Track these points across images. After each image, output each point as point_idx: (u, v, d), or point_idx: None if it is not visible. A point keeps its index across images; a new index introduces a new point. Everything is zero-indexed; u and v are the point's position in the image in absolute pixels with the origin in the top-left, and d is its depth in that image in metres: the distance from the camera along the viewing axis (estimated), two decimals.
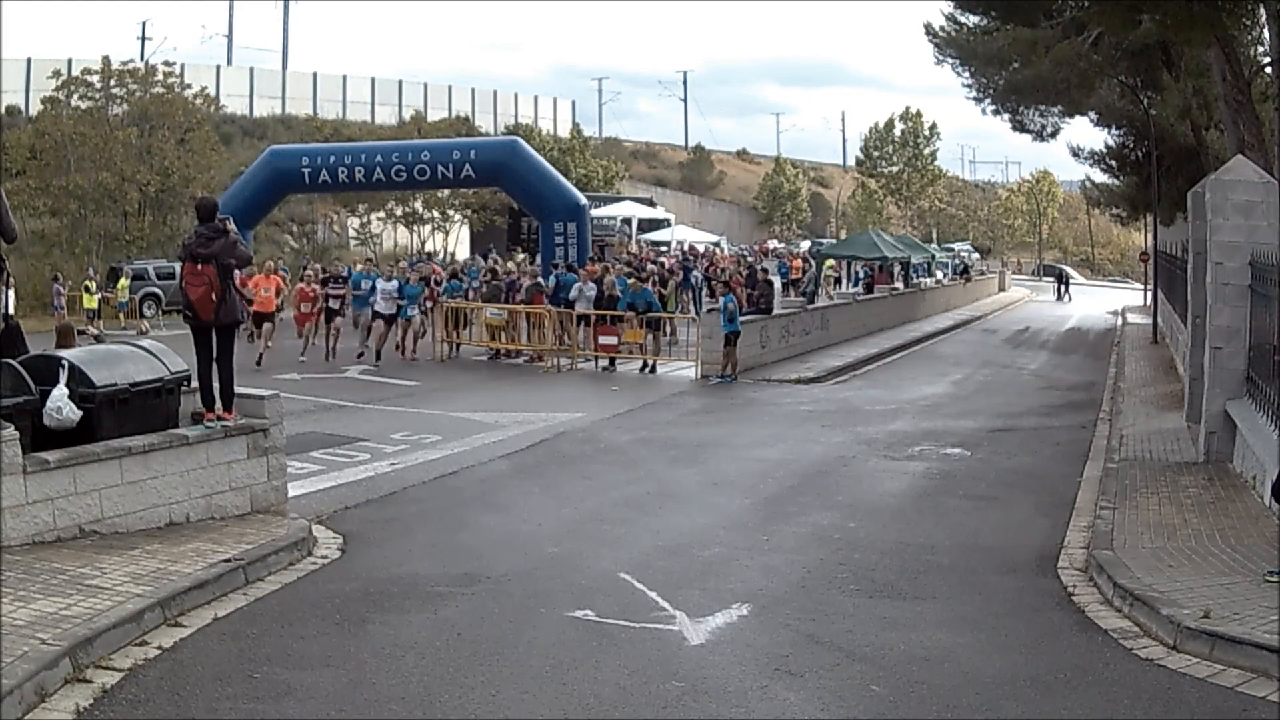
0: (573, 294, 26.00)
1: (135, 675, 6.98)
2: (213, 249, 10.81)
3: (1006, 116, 35.12)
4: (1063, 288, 60.11)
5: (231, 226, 11.21)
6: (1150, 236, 37.67)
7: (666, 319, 27.02)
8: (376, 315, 25.35)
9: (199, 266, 10.83)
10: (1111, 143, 39.15)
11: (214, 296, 10.79)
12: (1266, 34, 25.40)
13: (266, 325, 24.51)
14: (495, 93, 78.31)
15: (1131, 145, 37.79)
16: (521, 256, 44.92)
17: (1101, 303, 52.53)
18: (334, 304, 26.24)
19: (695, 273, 36.31)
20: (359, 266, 29.99)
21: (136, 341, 12.43)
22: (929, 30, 32.44)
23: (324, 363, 24.77)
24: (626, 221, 57.72)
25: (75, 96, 44.08)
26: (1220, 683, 6.96)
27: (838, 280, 46.74)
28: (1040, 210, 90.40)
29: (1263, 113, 24.15)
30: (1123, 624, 8.13)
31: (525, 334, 26.86)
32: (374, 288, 25.66)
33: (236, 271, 11.86)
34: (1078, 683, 7.10)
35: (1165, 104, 32.38)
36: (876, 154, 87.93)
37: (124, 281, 35.89)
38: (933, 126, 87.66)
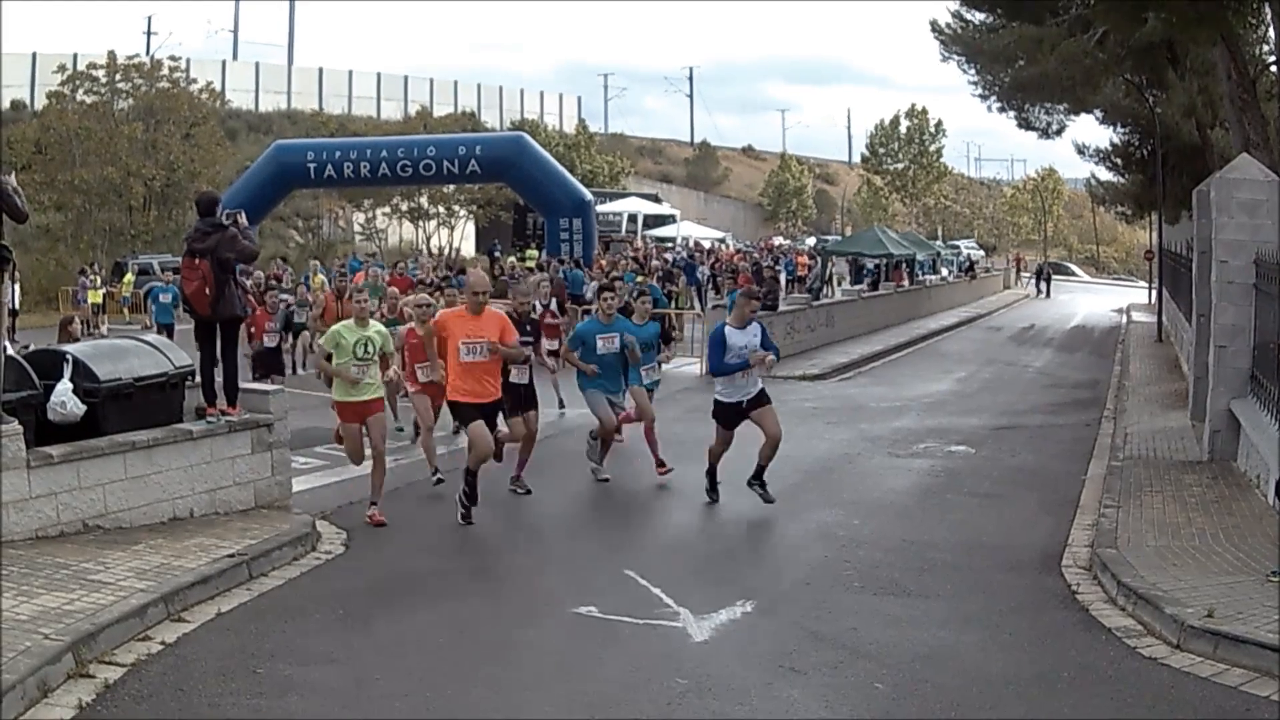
0: (587, 293, 25.92)
1: (138, 670, 6.98)
2: (208, 243, 10.78)
3: (1012, 114, 35.04)
4: (1043, 284, 59.09)
5: (243, 220, 11.23)
6: (1155, 235, 37.61)
7: (673, 315, 26.97)
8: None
9: (195, 261, 10.82)
10: (1117, 140, 39.08)
11: (208, 290, 10.76)
12: (1272, 33, 25.37)
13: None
14: (501, 88, 78.40)
15: (1137, 143, 37.70)
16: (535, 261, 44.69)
17: (1105, 301, 52.39)
18: (519, 377, 12.38)
19: (702, 269, 36.29)
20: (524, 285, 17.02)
21: (141, 336, 12.43)
22: (935, 27, 32.37)
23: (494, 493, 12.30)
24: (633, 218, 57.68)
25: (80, 91, 44.19)
26: (1224, 682, 6.94)
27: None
28: (1045, 208, 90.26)
29: (1268, 111, 24.09)
30: (1126, 623, 8.12)
31: None
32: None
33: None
34: (1082, 681, 7.09)
35: (1170, 102, 32.31)
36: (882, 151, 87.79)
37: (129, 276, 35.90)
38: (938, 123, 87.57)
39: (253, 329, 17.52)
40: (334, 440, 12.64)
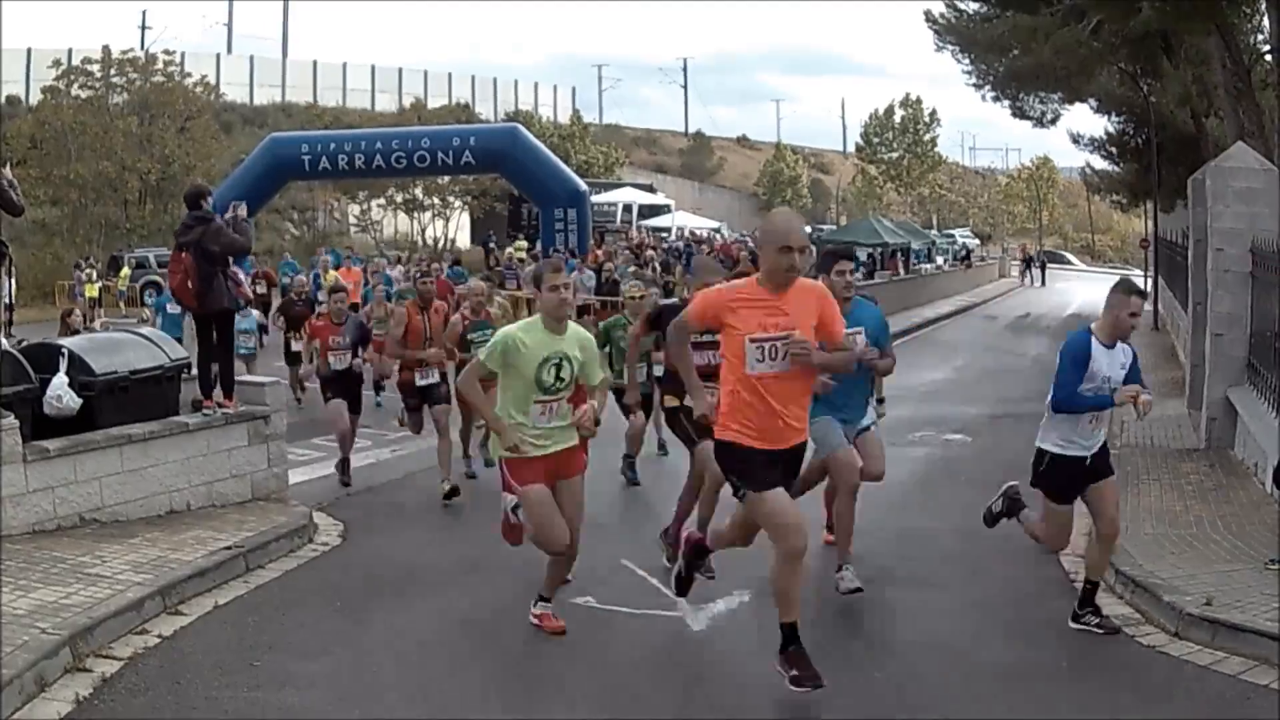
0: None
1: (135, 664, 6.97)
2: (191, 236, 10.73)
3: (1006, 103, 35.19)
4: (1035, 271, 59.17)
5: (242, 211, 11.20)
6: (1150, 223, 37.62)
7: None
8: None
9: (180, 254, 10.80)
10: (1111, 129, 39.14)
11: (190, 283, 10.70)
12: (1266, 22, 25.36)
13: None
14: (495, 80, 78.11)
15: (1131, 132, 37.75)
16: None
17: (1101, 290, 52.30)
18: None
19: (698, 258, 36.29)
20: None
21: (137, 329, 12.40)
22: (929, 17, 32.47)
23: None
24: (628, 209, 57.56)
25: (75, 86, 44.14)
26: (1223, 670, 6.93)
27: None
28: (1040, 197, 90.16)
29: (1263, 100, 24.13)
30: (1125, 611, 8.11)
31: None
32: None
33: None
34: (1081, 670, 7.08)
35: (1165, 91, 32.36)
36: (877, 140, 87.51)
37: (125, 270, 35.88)
38: (933, 113, 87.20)
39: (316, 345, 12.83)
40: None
